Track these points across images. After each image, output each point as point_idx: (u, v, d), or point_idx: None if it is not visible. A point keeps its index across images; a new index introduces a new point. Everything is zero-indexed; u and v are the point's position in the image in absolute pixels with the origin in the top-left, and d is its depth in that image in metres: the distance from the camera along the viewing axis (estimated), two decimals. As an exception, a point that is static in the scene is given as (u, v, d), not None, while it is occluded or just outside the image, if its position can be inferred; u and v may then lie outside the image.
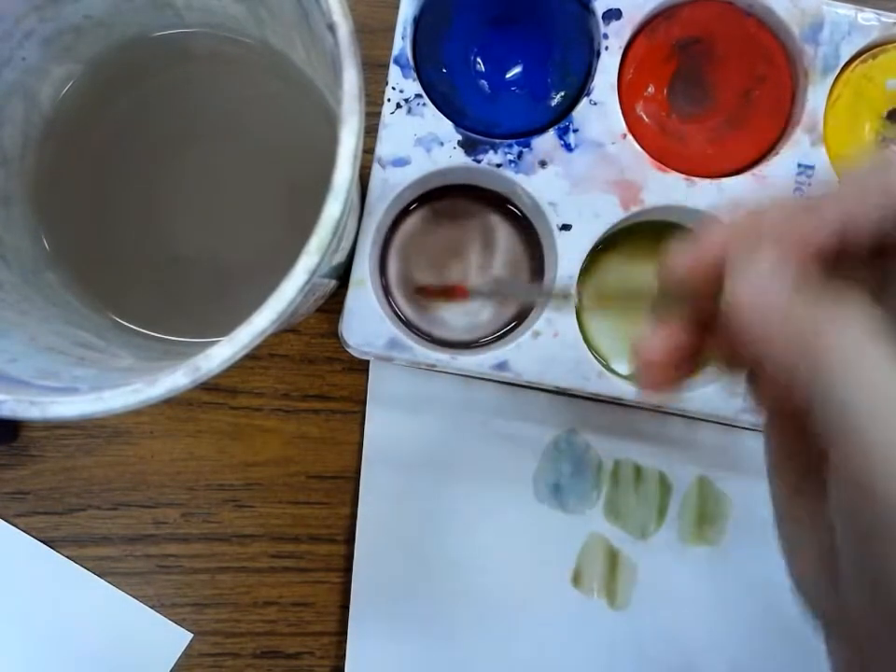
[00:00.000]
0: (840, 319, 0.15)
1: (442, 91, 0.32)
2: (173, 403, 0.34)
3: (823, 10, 0.31)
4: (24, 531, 0.34)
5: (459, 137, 0.31)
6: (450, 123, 0.31)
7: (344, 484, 0.34)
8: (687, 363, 0.19)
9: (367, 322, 0.30)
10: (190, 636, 0.34)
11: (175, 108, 0.30)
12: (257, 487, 0.34)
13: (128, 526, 0.34)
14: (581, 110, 0.31)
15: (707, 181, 0.31)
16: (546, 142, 0.31)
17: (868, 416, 0.14)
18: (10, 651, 0.33)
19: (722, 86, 0.32)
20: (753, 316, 0.16)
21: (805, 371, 0.15)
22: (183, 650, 0.34)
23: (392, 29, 0.31)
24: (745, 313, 0.16)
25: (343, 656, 0.33)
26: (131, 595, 0.34)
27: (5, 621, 0.33)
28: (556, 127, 0.31)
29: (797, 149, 0.31)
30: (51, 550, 0.34)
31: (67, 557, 0.34)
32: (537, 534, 0.34)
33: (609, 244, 0.33)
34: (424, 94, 0.31)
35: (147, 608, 0.34)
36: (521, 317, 0.33)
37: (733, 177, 0.31)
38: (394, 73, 0.31)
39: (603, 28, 0.31)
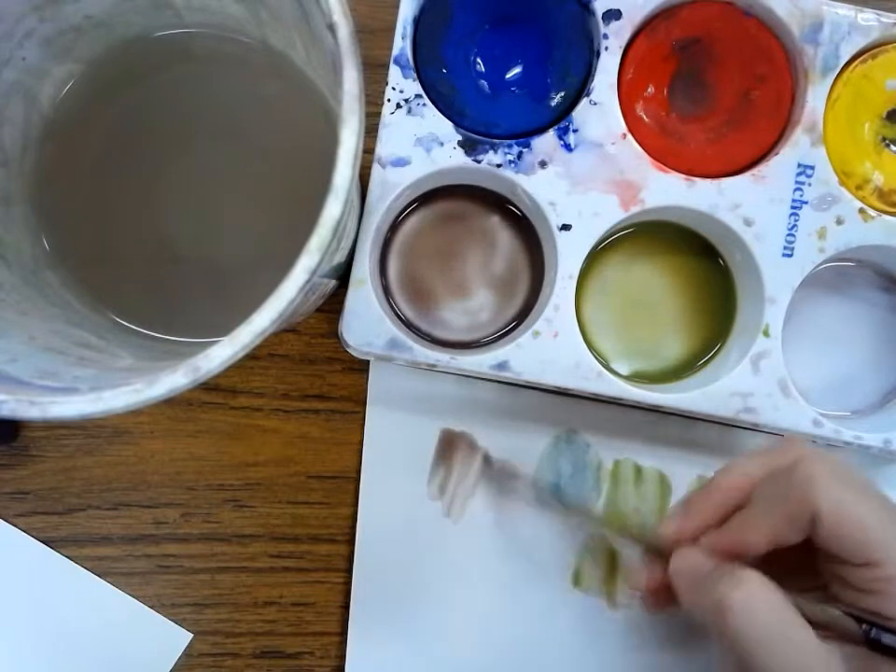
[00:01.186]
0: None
1: (442, 91, 0.32)
2: (173, 403, 0.34)
3: (823, 11, 0.31)
4: (24, 531, 0.34)
5: (459, 137, 0.31)
6: (450, 123, 0.31)
7: (344, 484, 0.34)
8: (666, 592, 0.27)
9: (367, 322, 0.30)
10: (190, 636, 0.34)
11: (175, 108, 0.30)
12: (257, 487, 0.34)
13: (128, 526, 0.34)
14: (581, 110, 0.31)
15: (707, 181, 0.31)
16: (546, 142, 0.31)
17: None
18: (10, 651, 0.33)
19: (722, 86, 0.32)
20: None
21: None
22: (183, 650, 0.34)
23: (392, 29, 0.31)
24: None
25: (343, 656, 0.33)
26: (131, 595, 0.34)
27: (4, 621, 0.33)
28: (556, 127, 0.31)
29: (797, 149, 0.31)
30: (51, 550, 0.34)
31: (67, 557, 0.34)
32: (537, 534, 0.34)
33: (609, 244, 0.33)
34: (424, 94, 0.31)
35: (146, 608, 0.34)
36: (521, 317, 0.33)
37: (733, 177, 0.31)
38: (394, 73, 0.31)
39: (603, 28, 0.31)
